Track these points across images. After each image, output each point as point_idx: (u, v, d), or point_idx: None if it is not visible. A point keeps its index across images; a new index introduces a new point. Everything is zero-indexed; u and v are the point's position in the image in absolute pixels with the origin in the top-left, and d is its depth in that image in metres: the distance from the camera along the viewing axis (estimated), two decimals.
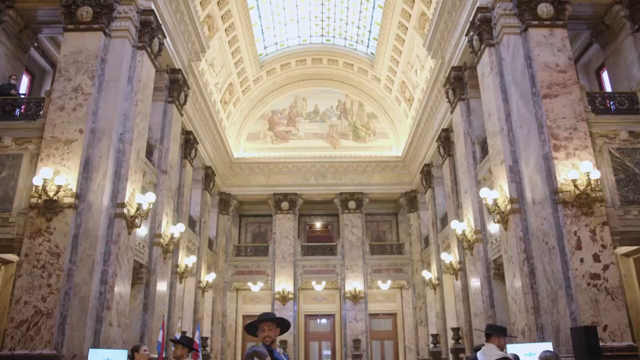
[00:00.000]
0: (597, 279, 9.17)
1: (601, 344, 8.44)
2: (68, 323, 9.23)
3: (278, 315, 15.12)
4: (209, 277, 18.94)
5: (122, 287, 10.19)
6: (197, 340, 12.28)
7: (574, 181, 9.44)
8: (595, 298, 9.07)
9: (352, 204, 22.03)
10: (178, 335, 12.02)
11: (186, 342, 5.77)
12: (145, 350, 6.06)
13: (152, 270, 12.41)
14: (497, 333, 5.53)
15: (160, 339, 11.39)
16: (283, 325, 4.06)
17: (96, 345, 9.24)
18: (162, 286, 12.75)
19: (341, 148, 22.72)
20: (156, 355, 10.75)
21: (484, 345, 6.08)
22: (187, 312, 16.86)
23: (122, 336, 10.14)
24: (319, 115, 23.28)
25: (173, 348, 5.79)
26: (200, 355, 12.38)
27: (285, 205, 22.02)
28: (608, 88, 12.92)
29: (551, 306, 9.41)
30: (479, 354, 5.62)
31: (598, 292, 9.10)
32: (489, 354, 5.36)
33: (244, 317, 22.97)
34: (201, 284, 18.20)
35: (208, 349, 18.14)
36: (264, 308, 22.08)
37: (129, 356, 5.84)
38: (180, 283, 15.26)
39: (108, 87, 10.73)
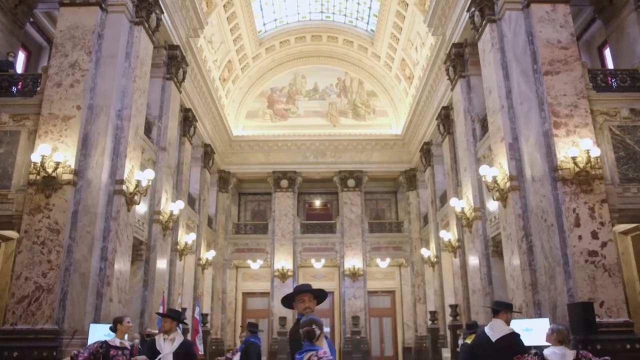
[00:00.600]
0: (594, 256, 9.21)
1: (597, 319, 8.53)
2: (69, 298, 9.31)
3: (277, 292, 15.23)
4: (208, 255, 19.03)
5: (122, 264, 10.25)
6: (197, 316, 12.39)
7: (573, 158, 9.42)
8: (593, 275, 9.12)
9: (351, 182, 22.04)
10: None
11: (174, 315, 5.63)
12: (128, 322, 5.77)
13: (151, 247, 12.45)
14: (505, 309, 5.57)
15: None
16: (320, 297, 4.03)
17: (97, 320, 9.32)
18: (162, 263, 12.82)
19: (341, 126, 22.64)
20: (156, 331, 10.83)
21: (476, 322, 6.19)
22: (187, 289, 16.98)
23: (122, 312, 10.20)
24: (318, 93, 23.15)
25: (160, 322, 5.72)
26: (201, 331, 12.50)
27: (284, 183, 22.03)
28: (610, 65, 12.82)
29: (549, 283, 9.48)
30: (486, 328, 5.63)
31: (595, 269, 9.15)
32: (497, 329, 5.38)
33: (244, 294, 23.17)
34: (201, 262, 18.29)
35: (208, 325, 18.31)
36: (263, 285, 22.28)
37: (111, 328, 5.61)
38: (180, 260, 15.33)
39: (105, 63, 10.64)
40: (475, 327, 7.18)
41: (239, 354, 7.36)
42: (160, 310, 11.73)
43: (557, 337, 5.22)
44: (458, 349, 14.11)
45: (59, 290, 9.23)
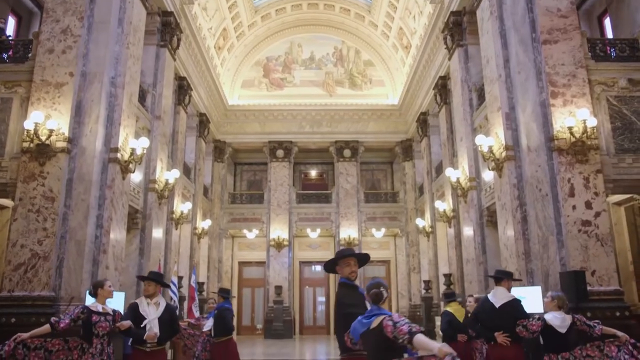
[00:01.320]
0: (588, 225, 9.28)
1: (589, 288, 8.65)
2: (65, 266, 9.35)
3: (273, 261, 15.30)
4: (204, 224, 19.10)
5: (117, 232, 10.27)
6: (193, 284, 12.49)
7: (570, 128, 9.39)
8: (585, 244, 9.20)
9: (347, 153, 22.01)
10: (175, 279, 12.26)
11: (158, 278, 5.35)
12: (109, 287, 5.19)
13: (147, 216, 12.47)
14: (507, 277, 5.81)
15: None
16: (363, 261, 3.95)
17: None
18: (157, 231, 12.86)
19: (337, 96, 22.48)
20: None
21: (453, 292, 6.57)
22: (183, 258, 17.09)
23: (119, 279, 10.30)
24: (314, 62, 22.90)
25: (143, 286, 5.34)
26: (197, 299, 12.62)
27: (280, 153, 21.99)
28: (610, 35, 12.68)
29: (542, 252, 9.57)
30: (489, 296, 5.87)
31: (588, 239, 9.23)
32: (500, 296, 5.63)
33: (240, 263, 23.36)
34: (197, 231, 18.37)
35: (204, 293, 18.50)
36: (259, 255, 22.46)
37: (91, 293, 5.09)
38: (176, 229, 15.39)
39: (98, 29, 10.45)
40: (453, 296, 7.34)
41: (210, 320, 7.07)
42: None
43: (557, 303, 5.44)
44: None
45: (55, 258, 9.27)
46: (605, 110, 10.28)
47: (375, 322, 3.14)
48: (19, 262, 9.17)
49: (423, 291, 18.57)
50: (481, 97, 12.54)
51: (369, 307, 3.37)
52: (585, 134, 9.40)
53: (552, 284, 9.22)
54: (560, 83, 9.86)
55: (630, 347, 4.96)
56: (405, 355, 3.11)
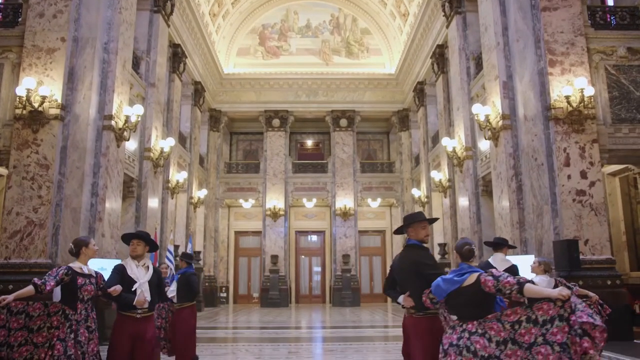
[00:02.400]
0: (582, 195, 9.32)
1: (581, 257, 8.74)
2: (61, 234, 9.37)
3: (269, 231, 15.35)
4: (200, 194, 19.11)
5: (113, 200, 10.26)
6: (189, 252, 12.53)
7: (567, 97, 9.34)
8: (579, 213, 9.26)
9: (343, 122, 21.91)
10: (171, 248, 12.29)
11: (144, 236, 4.67)
12: (94, 246, 4.54)
13: (142, 184, 12.45)
14: (506, 244, 6.19)
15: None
16: (431, 223, 4.11)
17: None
18: (153, 200, 12.86)
19: (333, 64, 22.24)
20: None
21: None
22: (180, 227, 17.15)
23: (115, 247, 10.33)
24: (311, 30, 22.57)
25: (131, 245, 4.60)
26: (193, 268, 12.69)
27: (276, 122, 21.87)
28: (610, 3, 12.50)
29: (536, 221, 9.64)
30: (490, 260, 6.09)
31: (582, 208, 9.28)
32: (499, 262, 5.89)
33: (236, 233, 23.48)
34: (193, 200, 18.38)
35: (201, 262, 18.64)
36: (255, 224, 22.55)
37: (72, 252, 4.37)
38: (172, 198, 15.39)
39: None
40: None
41: (173, 285, 6.72)
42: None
43: (544, 267, 5.91)
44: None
45: (51, 226, 9.28)
46: (603, 80, 10.21)
47: (469, 280, 3.20)
48: (15, 229, 9.17)
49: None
50: (479, 66, 12.44)
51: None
52: (582, 103, 9.35)
53: (545, 253, 9.31)
54: (558, 51, 9.76)
55: (598, 306, 5.42)
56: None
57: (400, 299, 3.80)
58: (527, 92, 9.98)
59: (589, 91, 9.37)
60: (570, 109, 9.38)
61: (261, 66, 22.12)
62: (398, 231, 4.14)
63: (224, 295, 21.74)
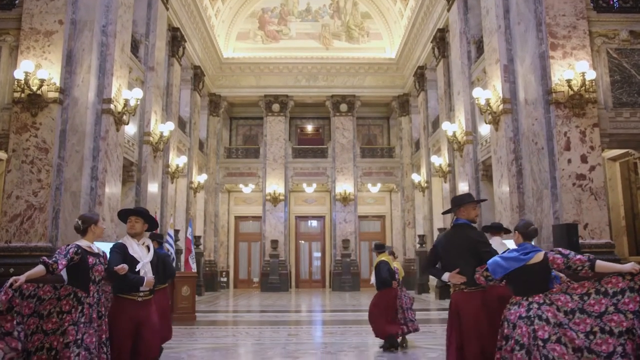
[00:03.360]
0: (582, 179, 9.31)
1: (580, 241, 8.74)
2: (61, 217, 9.38)
3: (269, 216, 15.39)
4: (200, 178, 19.11)
5: (112, 184, 10.26)
6: (189, 236, 12.58)
7: (568, 81, 9.28)
8: (579, 198, 9.25)
9: (343, 107, 21.84)
10: (171, 232, 12.34)
11: (143, 212, 4.39)
12: (103, 224, 4.70)
13: (142, 169, 12.44)
14: (503, 229, 6.20)
15: None
16: (478, 203, 4.39)
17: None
18: (153, 184, 12.86)
19: (333, 49, 22.10)
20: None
21: (383, 244, 7.51)
22: (180, 212, 17.17)
23: (115, 231, 10.35)
24: (311, 14, 22.38)
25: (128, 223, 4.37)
26: (194, 251, 12.75)
27: (276, 107, 21.80)
28: None
29: (536, 205, 9.64)
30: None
31: (582, 192, 9.27)
32: (498, 246, 5.84)
33: (236, 218, 23.52)
34: (193, 185, 18.39)
35: (201, 247, 18.70)
36: (255, 209, 22.59)
37: (78, 228, 4.05)
38: (172, 183, 15.39)
39: None
40: (383, 248, 7.48)
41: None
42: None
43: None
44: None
45: (51, 209, 9.29)
46: (604, 63, 10.14)
47: (536, 258, 3.42)
48: (15, 213, 9.18)
49: (417, 246, 18.80)
50: (480, 50, 12.36)
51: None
52: (583, 87, 9.30)
53: (544, 237, 9.33)
54: (560, 34, 9.68)
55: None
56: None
57: (446, 276, 3.95)
58: (528, 75, 9.93)
59: (591, 75, 9.31)
60: (571, 92, 9.33)
61: (261, 50, 21.98)
62: (448, 211, 4.30)
63: (224, 279, 21.85)
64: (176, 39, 15.99)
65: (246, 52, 21.95)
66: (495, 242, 5.96)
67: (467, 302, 3.82)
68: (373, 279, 7.32)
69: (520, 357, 3.16)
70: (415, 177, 19.63)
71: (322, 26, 22.27)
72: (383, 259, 7.28)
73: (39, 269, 3.60)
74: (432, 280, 16.64)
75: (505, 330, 3.37)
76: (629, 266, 3.28)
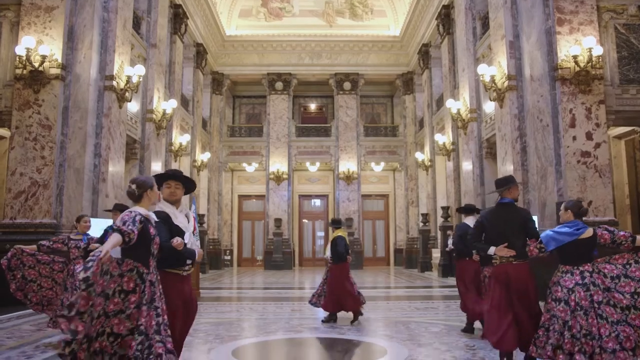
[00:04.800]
0: (587, 156, 9.25)
1: (584, 218, 8.71)
2: (65, 194, 9.42)
3: (272, 195, 15.43)
4: (203, 157, 19.10)
5: (116, 161, 10.27)
6: (193, 214, 12.63)
7: (574, 57, 9.17)
8: (584, 175, 9.21)
9: (347, 85, 21.68)
10: None
11: (182, 177, 3.98)
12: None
13: (145, 146, 12.43)
14: (476, 210, 6.59)
15: None
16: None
17: (94, 215, 9.48)
18: (156, 162, 12.86)
19: (337, 26, 21.85)
20: None
21: (340, 219, 7.57)
22: None
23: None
24: None
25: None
26: (197, 229, 12.79)
27: (279, 85, 21.66)
28: None
29: (540, 182, 9.61)
30: (466, 222, 6.41)
31: (587, 170, 9.23)
32: (471, 224, 6.21)
33: (239, 196, 23.57)
34: (196, 163, 18.38)
35: (205, 225, 18.76)
36: (258, 188, 22.62)
37: (132, 193, 3.43)
38: (175, 161, 15.39)
39: None
40: (340, 223, 7.51)
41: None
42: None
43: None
44: (447, 248, 14.65)
45: (55, 186, 9.32)
46: (612, 39, 10.00)
47: (587, 233, 3.97)
48: (19, 190, 9.22)
49: (421, 224, 18.81)
50: (485, 26, 12.20)
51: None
52: (590, 63, 9.19)
53: (548, 214, 9.32)
54: (567, 10, 9.53)
55: None
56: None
57: (492, 249, 4.31)
58: (533, 51, 9.81)
59: (598, 51, 9.19)
60: (577, 69, 9.22)
61: (263, 28, 21.76)
62: (497, 190, 4.65)
63: (228, 258, 21.98)
64: (178, 16, 15.83)
65: (249, 29, 21.73)
66: (468, 220, 6.47)
67: (518, 272, 4.22)
68: (328, 254, 7.40)
69: (581, 318, 3.74)
70: (419, 156, 19.57)
71: (326, 3, 21.98)
72: (340, 234, 7.36)
73: (117, 238, 3.06)
74: (435, 259, 16.69)
75: (559, 294, 3.91)
76: None
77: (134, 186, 3.45)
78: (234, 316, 7.99)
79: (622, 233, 3.98)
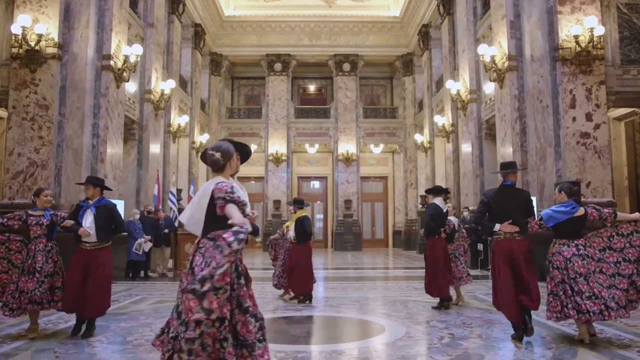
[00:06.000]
0: (586, 137, 9.23)
1: (582, 199, 8.73)
2: (63, 174, 9.40)
3: (271, 176, 15.42)
4: (202, 138, 19.03)
5: (114, 141, 10.23)
6: (192, 194, 12.62)
7: (576, 37, 9.10)
8: (583, 156, 9.20)
9: (346, 67, 21.53)
10: (174, 190, 12.38)
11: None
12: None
13: (144, 127, 12.38)
14: (444, 191, 6.94)
15: (155, 193, 11.71)
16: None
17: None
18: (155, 143, 12.82)
19: (336, 7, 21.59)
20: (152, 208, 11.10)
21: (303, 200, 7.69)
22: (182, 172, 17.18)
23: (118, 188, 10.38)
24: None
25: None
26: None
27: (278, 66, 21.50)
28: None
29: (539, 163, 9.60)
30: (436, 202, 6.79)
31: (586, 151, 9.22)
32: (442, 205, 6.75)
33: (238, 178, 23.41)
34: (195, 145, 18.33)
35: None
36: (257, 170, 22.56)
37: (217, 162, 3.15)
38: (174, 142, 15.35)
39: None
40: (302, 203, 7.53)
41: (89, 218, 5.29)
42: (155, 190, 11.90)
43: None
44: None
45: (53, 166, 9.29)
46: (614, 19, 9.91)
47: (580, 212, 4.62)
48: (17, 170, 9.19)
49: (419, 206, 18.84)
50: (486, 6, 12.09)
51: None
52: (591, 44, 9.12)
53: (546, 195, 9.33)
54: None
55: None
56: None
57: (497, 226, 4.75)
58: (534, 31, 9.72)
59: (599, 30, 9.11)
60: (578, 49, 9.15)
61: (262, 8, 21.51)
62: (501, 172, 5.09)
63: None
64: None
65: (247, 10, 21.48)
66: (437, 201, 6.75)
67: (521, 246, 4.73)
68: (292, 234, 7.38)
69: (582, 283, 4.38)
70: (418, 138, 19.53)
71: None
72: (305, 214, 7.38)
73: (236, 209, 2.85)
74: None
75: (560, 263, 4.52)
76: (636, 215, 4.66)
77: (218, 154, 3.09)
78: None
79: (606, 210, 4.71)
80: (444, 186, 15.93)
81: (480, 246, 11.39)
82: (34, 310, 4.88)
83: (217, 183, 2.93)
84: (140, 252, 9.94)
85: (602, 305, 4.29)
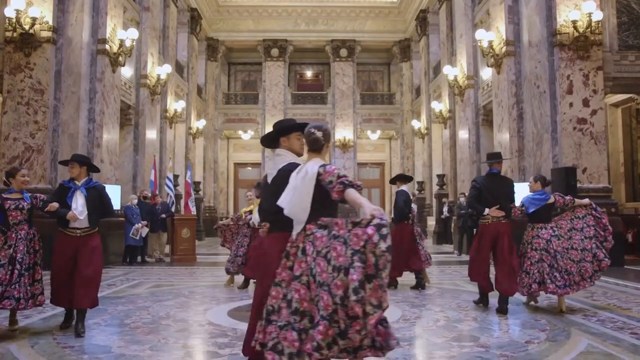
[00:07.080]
0: (583, 123, 9.25)
1: (578, 185, 8.78)
2: (59, 159, 9.35)
3: (268, 163, 15.32)
4: (199, 124, 18.97)
5: (110, 126, 10.19)
6: (188, 180, 12.58)
7: (574, 22, 9.07)
8: (579, 142, 9.23)
9: (343, 52, 21.41)
10: (171, 176, 12.35)
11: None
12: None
13: (140, 112, 12.33)
14: (410, 179, 7.56)
15: (152, 178, 11.69)
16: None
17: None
18: (151, 128, 12.77)
19: None
20: (149, 193, 11.09)
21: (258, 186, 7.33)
22: (179, 158, 17.13)
23: (114, 173, 10.36)
24: None
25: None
26: (193, 194, 12.79)
27: (275, 52, 21.37)
28: None
29: (535, 149, 9.62)
30: (404, 189, 7.21)
31: (582, 137, 9.24)
32: (409, 191, 7.31)
33: (235, 164, 23.51)
34: (191, 131, 18.28)
35: (201, 193, 18.78)
36: (254, 156, 22.54)
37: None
38: (170, 128, 15.30)
39: None
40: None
41: (80, 202, 5.03)
42: (152, 176, 11.88)
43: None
44: (442, 216, 14.76)
45: (49, 151, 9.26)
46: (612, 4, 9.88)
47: (551, 200, 5.30)
48: (13, 155, 9.16)
49: (416, 192, 18.87)
50: None
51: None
52: (589, 29, 9.09)
53: None
54: None
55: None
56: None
57: (487, 210, 5.24)
58: (532, 16, 9.68)
59: (597, 16, 9.08)
60: (576, 34, 9.13)
61: None
62: (488, 162, 5.67)
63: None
64: None
65: None
66: (405, 187, 7.22)
67: (506, 229, 5.30)
68: (256, 217, 6.80)
69: (560, 260, 5.10)
70: (415, 124, 19.51)
71: None
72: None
73: (356, 192, 2.68)
74: (430, 227, 16.82)
75: (540, 244, 5.17)
76: (586, 201, 5.46)
77: (319, 133, 2.90)
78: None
79: (568, 197, 5.46)
80: (441, 172, 16.18)
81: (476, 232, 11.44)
82: (11, 306, 4.27)
83: (321, 166, 2.71)
84: (138, 237, 9.97)
85: (570, 280, 5.08)
